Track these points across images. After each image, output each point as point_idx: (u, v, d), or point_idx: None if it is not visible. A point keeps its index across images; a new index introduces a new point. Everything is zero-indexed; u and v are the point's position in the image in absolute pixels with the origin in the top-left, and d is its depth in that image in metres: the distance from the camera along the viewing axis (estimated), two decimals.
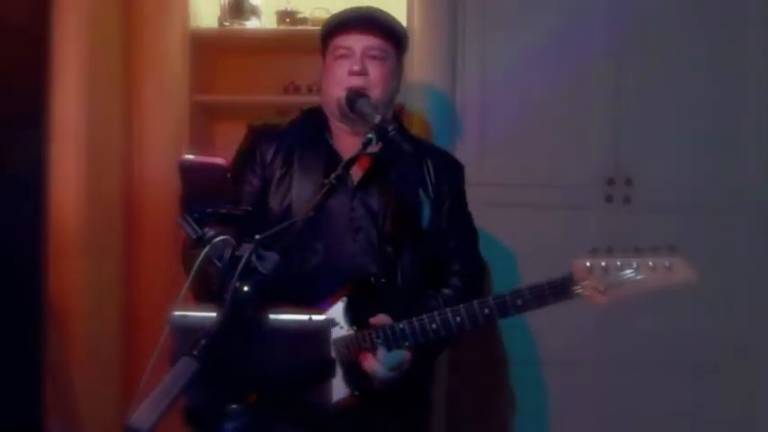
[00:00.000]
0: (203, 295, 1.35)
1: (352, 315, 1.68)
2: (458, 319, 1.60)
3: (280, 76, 2.86)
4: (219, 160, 1.27)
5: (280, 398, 1.21)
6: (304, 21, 2.80)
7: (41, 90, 2.47)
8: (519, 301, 1.57)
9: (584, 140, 2.63)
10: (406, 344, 1.63)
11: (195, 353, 1.02)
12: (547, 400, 2.66)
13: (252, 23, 2.80)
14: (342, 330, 1.66)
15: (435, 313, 1.61)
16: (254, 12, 2.80)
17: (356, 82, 1.73)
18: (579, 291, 1.52)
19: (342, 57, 1.77)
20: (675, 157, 2.61)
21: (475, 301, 1.59)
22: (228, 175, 1.27)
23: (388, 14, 1.84)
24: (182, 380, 1.00)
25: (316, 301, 1.67)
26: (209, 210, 1.23)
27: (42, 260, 2.49)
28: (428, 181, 1.82)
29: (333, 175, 1.41)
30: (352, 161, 1.54)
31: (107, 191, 2.62)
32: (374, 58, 1.76)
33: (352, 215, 1.77)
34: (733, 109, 2.60)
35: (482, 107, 2.65)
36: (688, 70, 2.61)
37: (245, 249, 1.13)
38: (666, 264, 1.48)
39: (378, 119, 1.57)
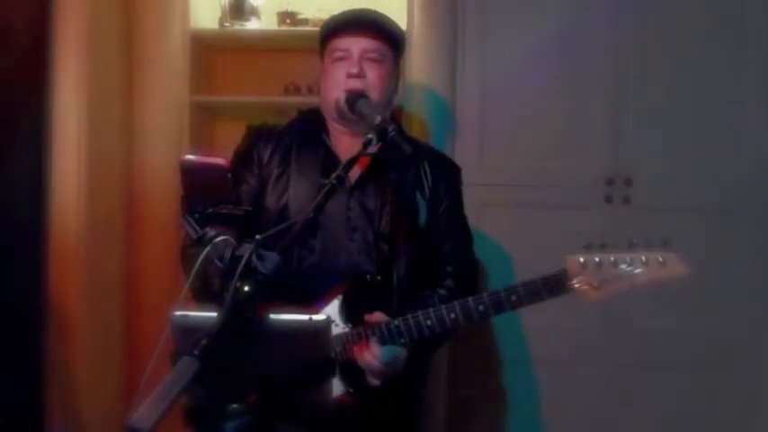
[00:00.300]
0: (203, 295, 1.36)
1: (348, 312, 1.70)
2: (452, 315, 1.62)
3: (280, 76, 2.86)
4: (220, 160, 1.27)
5: (280, 397, 1.22)
6: (305, 22, 2.80)
7: (42, 90, 2.48)
8: (513, 297, 1.58)
9: (584, 141, 2.63)
10: (402, 340, 1.65)
11: (196, 353, 1.03)
12: (547, 401, 2.66)
13: (252, 24, 2.80)
14: (337, 328, 1.68)
15: (430, 310, 1.63)
16: (255, 12, 2.81)
17: (354, 84, 1.74)
18: (573, 286, 1.53)
19: (339, 59, 1.78)
20: (675, 157, 2.61)
21: (470, 298, 1.61)
22: (229, 175, 1.27)
23: (385, 17, 1.85)
24: (182, 380, 1.00)
25: (312, 300, 1.68)
26: (210, 210, 1.24)
27: (43, 260, 2.49)
28: (425, 183, 1.83)
29: (333, 176, 1.42)
30: (353, 161, 1.55)
31: (107, 191, 2.62)
32: (372, 60, 1.77)
33: (348, 214, 1.78)
34: (733, 109, 2.60)
35: (481, 107, 2.65)
36: (688, 70, 2.61)
37: (246, 249, 1.13)
38: (660, 259, 1.50)
39: (378, 119, 1.57)
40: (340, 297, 1.70)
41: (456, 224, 1.89)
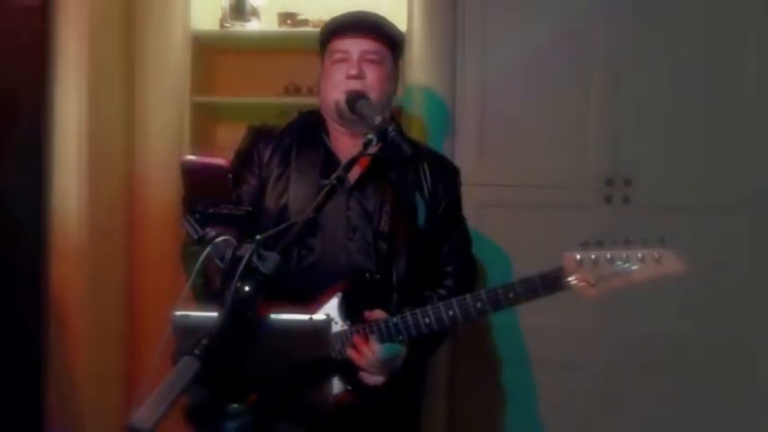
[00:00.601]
0: (203, 295, 1.36)
1: (347, 310, 1.70)
2: (450, 313, 1.63)
3: (280, 77, 2.87)
4: (221, 161, 1.28)
5: (280, 397, 1.22)
6: (305, 22, 2.81)
7: (43, 91, 2.48)
8: (511, 294, 1.59)
9: (584, 141, 2.64)
10: (400, 338, 1.66)
11: (196, 352, 1.03)
12: (546, 401, 2.66)
13: (252, 25, 2.81)
14: (336, 326, 1.68)
15: (429, 308, 1.65)
16: (255, 13, 2.81)
17: (353, 86, 1.75)
18: (570, 283, 1.54)
19: (339, 60, 1.78)
20: (675, 157, 2.61)
21: (467, 295, 1.63)
22: (230, 175, 1.28)
23: (384, 18, 1.86)
24: (183, 379, 1.00)
25: (311, 299, 1.68)
26: (211, 210, 1.24)
27: (43, 261, 2.50)
28: (424, 183, 1.84)
29: (333, 176, 1.42)
30: (354, 162, 1.55)
31: (108, 192, 2.62)
32: (371, 61, 1.78)
33: (348, 214, 1.79)
34: (733, 109, 2.60)
35: (481, 107, 2.66)
36: (687, 70, 2.61)
37: (246, 250, 1.13)
38: (656, 255, 1.50)
39: (378, 120, 1.58)
40: (339, 295, 1.71)
41: (455, 225, 1.90)
